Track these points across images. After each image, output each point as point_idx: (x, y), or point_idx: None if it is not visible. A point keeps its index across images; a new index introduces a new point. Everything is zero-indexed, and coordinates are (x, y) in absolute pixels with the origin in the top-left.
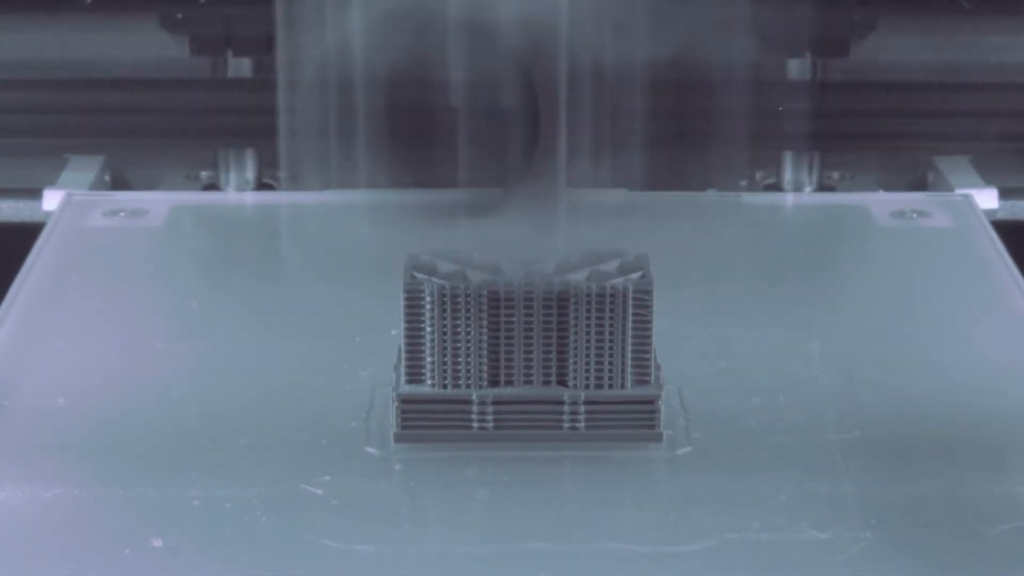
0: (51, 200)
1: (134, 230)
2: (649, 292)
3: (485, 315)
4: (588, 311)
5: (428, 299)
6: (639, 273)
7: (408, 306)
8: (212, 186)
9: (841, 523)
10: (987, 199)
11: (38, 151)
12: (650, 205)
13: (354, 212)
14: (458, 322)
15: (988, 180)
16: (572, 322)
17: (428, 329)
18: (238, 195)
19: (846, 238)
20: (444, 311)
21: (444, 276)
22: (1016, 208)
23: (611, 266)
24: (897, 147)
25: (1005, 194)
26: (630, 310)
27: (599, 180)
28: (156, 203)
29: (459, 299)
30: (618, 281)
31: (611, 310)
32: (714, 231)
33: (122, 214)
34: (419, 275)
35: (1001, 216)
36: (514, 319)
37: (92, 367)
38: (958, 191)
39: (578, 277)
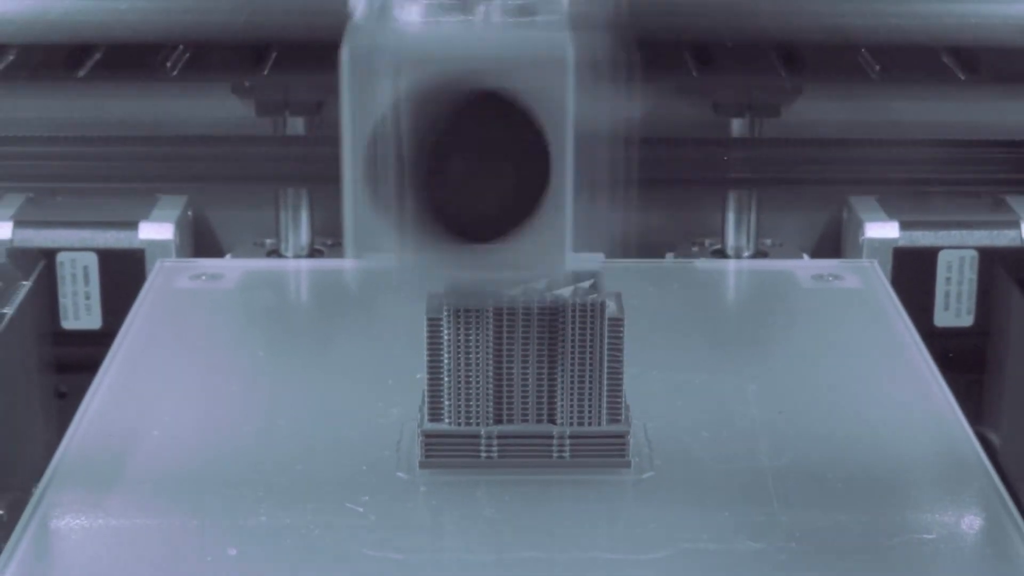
0: (145, 231)
1: (213, 291)
2: (620, 321)
3: (491, 325)
4: (573, 321)
5: (445, 317)
6: (616, 292)
7: (430, 328)
8: (275, 252)
9: (772, 535)
10: (890, 230)
11: (134, 192)
12: (617, 270)
13: (388, 276)
14: (470, 334)
15: (891, 215)
16: (561, 327)
17: (446, 343)
18: (296, 261)
19: (776, 298)
20: (459, 324)
21: (458, 299)
22: (913, 237)
23: (589, 285)
24: (818, 189)
25: (904, 226)
26: (606, 332)
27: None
28: (230, 269)
29: (471, 314)
30: (595, 296)
31: (591, 322)
32: (672, 292)
33: (204, 278)
34: (438, 302)
35: (901, 244)
36: (515, 329)
37: (179, 406)
38: (866, 231)
39: (564, 293)
